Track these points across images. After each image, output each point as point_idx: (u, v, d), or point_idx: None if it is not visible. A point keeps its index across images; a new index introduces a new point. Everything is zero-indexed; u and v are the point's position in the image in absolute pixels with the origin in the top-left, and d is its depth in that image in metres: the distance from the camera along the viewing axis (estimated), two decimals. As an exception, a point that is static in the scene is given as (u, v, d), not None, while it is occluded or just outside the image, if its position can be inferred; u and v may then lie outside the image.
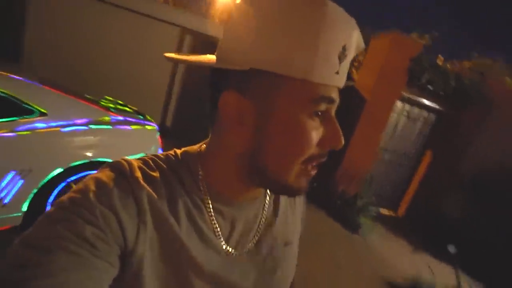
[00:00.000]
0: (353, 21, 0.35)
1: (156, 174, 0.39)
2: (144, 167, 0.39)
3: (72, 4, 4.03)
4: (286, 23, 0.32)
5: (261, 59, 0.33)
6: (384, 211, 4.82)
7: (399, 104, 4.31)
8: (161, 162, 0.41)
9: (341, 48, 0.34)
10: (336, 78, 0.35)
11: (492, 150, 4.15)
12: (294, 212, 0.54)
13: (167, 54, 0.42)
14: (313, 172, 0.39)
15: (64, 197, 0.33)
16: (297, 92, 0.34)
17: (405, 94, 4.15)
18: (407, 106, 4.41)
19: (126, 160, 0.39)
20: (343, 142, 0.37)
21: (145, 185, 0.36)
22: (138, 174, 0.37)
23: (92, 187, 0.33)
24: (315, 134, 0.36)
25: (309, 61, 0.33)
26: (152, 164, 0.40)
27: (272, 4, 0.33)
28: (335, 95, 0.36)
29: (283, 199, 0.52)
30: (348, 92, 4.51)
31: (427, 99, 4.28)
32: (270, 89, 0.35)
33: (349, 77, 4.67)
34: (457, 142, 4.46)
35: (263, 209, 0.47)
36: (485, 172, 4.12)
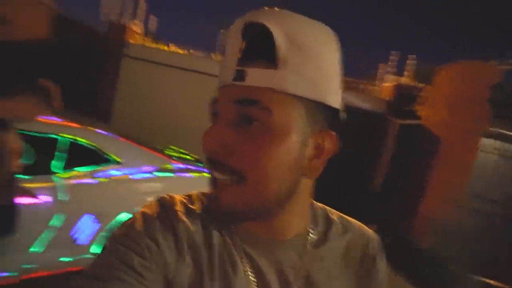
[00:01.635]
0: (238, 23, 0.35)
1: (195, 207, 0.40)
2: (185, 201, 0.41)
3: (151, 70, 5.03)
4: None
5: None
6: (489, 281, 3.71)
7: (485, 141, 3.65)
8: (204, 197, 0.42)
9: (224, 50, 0.37)
10: (221, 79, 0.37)
11: None
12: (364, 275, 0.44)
13: None
14: (214, 175, 0.36)
15: (117, 230, 0.37)
16: None
17: (492, 129, 3.53)
18: (498, 143, 3.70)
19: (170, 195, 0.41)
20: (206, 143, 0.35)
21: (183, 217, 0.38)
22: (178, 207, 0.39)
23: (139, 220, 0.36)
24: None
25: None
26: (195, 198, 0.42)
27: None
28: (220, 95, 0.37)
29: (336, 249, 0.43)
30: (414, 131, 4.07)
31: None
32: None
33: (414, 114, 4.27)
34: None
35: (304, 255, 0.41)
36: None
